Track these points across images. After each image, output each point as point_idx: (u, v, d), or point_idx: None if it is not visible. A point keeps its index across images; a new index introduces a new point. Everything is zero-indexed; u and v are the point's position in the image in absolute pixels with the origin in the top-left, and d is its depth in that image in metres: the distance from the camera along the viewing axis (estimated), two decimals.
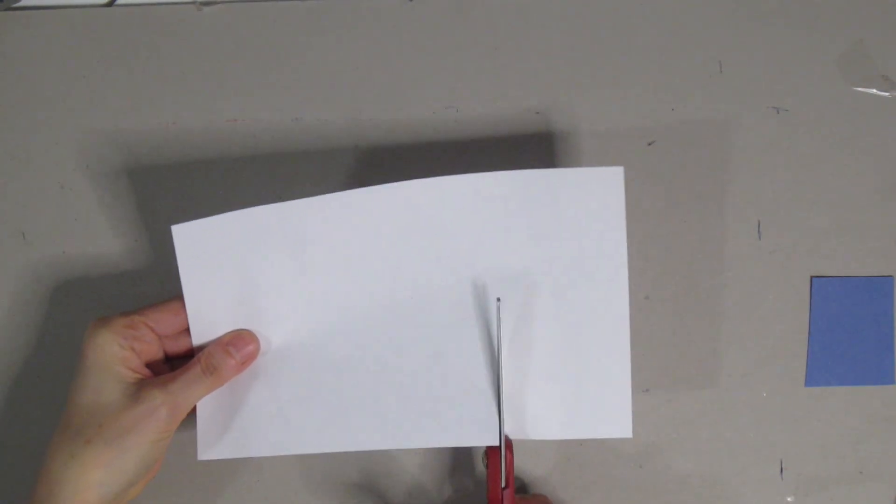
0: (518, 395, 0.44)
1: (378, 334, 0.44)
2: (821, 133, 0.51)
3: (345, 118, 0.51)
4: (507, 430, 0.44)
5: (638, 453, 0.50)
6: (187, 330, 0.45)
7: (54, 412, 0.42)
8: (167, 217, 0.51)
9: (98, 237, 0.51)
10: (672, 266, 0.50)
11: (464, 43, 0.52)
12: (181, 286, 0.45)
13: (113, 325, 0.42)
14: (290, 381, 0.44)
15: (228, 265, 0.44)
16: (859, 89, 0.51)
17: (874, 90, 0.51)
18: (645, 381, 0.50)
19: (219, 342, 0.44)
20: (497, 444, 0.43)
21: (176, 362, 0.45)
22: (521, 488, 0.50)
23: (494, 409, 0.43)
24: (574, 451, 0.50)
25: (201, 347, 0.44)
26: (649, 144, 0.51)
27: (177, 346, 0.45)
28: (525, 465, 0.50)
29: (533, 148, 0.51)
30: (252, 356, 0.44)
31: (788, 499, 0.50)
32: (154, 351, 0.44)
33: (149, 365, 0.44)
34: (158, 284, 0.50)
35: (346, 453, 0.48)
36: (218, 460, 0.48)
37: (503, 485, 0.42)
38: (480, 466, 0.49)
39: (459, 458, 0.50)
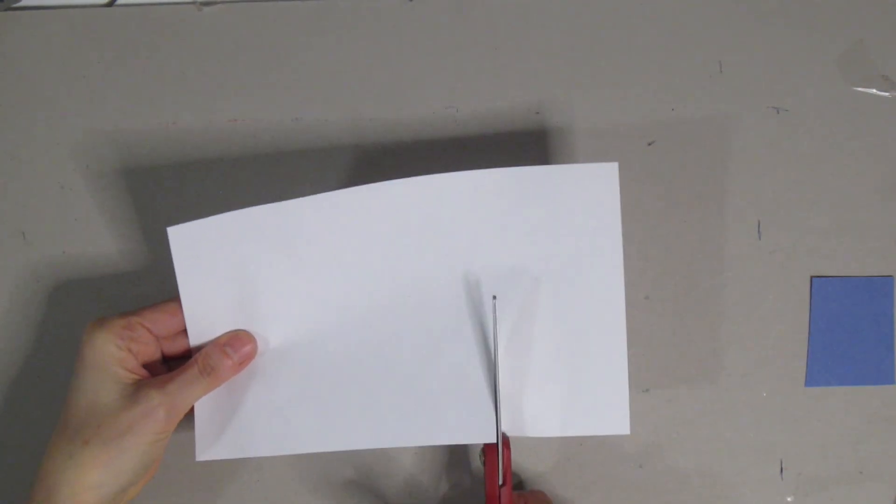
0: (515, 392, 0.44)
1: (375, 333, 0.44)
2: (821, 133, 0.51)
3: (345, 118, 0.51)
4: (505, 427, 0.43)
5: (638, 453, 0.50)
6: (185, 330, 0.45)
7: (54, 412, 0.42)
8: (167, 217, 0.51)
9: (98, 237, 0.51)
10: (672, 266, 0.50)
11: (464, 43, 0.52)
12: (177, 287, 0.44)
13: (110, 326, 0.42)
14: (288, 380, 0.44)
15: (225, 266, 0.44)
16: (859, 89, 0.51)
17: (874, 90, 0.51)
18: (645, 381, 0.50)
19: (216, 343, 0.44)
20: (493, 441, 0.43)
21: (173, 363, 0.45)
22: (519, 485, 0.50)
23: (491, 406, 0.43)
24: (574, 451, 0.50)
25: (199, 348, 0.44)
26: (649, 144, 0.51)
27: (174, 347, 0.45)
28: (525, 464, 0.50)
29: (532, 148, 0.51)
30: (249, 356, 0.44)
31: (788, 499, 0.50)
32: (151, 352, 0.44)
33: (146, 366, 0.43)
34: (158, 284, 0.50)
35: (344, 452, 0.48)
36: (218, 460, 0.48)
37: (501, 482, 0.42)
38: (478, 463, 0.49)
39: (457, 455, 0.50)
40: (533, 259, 0.43)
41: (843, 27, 0.51)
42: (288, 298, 0.44)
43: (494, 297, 0.43)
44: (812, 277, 0.50)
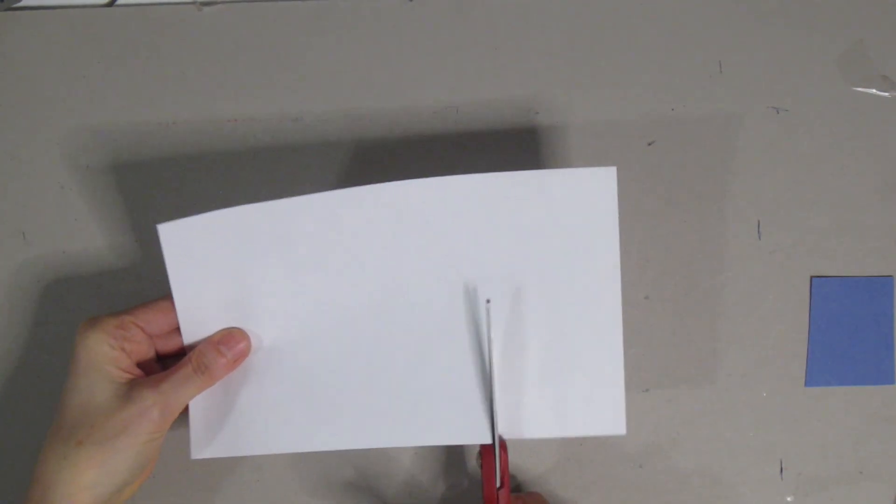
0: (511, 394, 0.43)
1: (369, 333, 0.43)
2: (821, 133, 0.50)
3: (345, 118, 0.51)
4: (501, 429, 0.43)
5: (638, 453, 0.50)
6: (178, 329, 0.44)
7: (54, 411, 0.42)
8: (167, 217, 0.50)
9: (98, 237, 0.50)
10: (672, 266, 0.50)
11: (464, 43, 0.51)
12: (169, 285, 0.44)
13: (103, 325, 0.42)
14: (282, 379, 0.44)
15: (217, 263, 0.43)
16: (859, 89, 0.51)
17: (874, 90, 0.51)
18: (645, 381, 0.50)
19: (210, 341, 0.43)
20: (488, 442, 0.42)
21: (168, 361, 0.44)
22: (517, 487, 0.49)
23: (484, 407, 0.43)
24: (574, 451, 0.49)
25: (192, 346, 0.44)
26: (649, 144, 0.51)
27: (168, 345, 0.44)
28: (525, 465, 0.49)
29: (532, 148, 0.51)
30: (243, 354, 0.44)
31: (788, 499, 0.49)
32: (145, 351, 0.43)
33: (140, 364, 0.43)
34: (158, 283, 0.49)
35: (344, 452, 0.48)
36: (217, 460, 0.48)
37: (498, 485, 0.42)
38: (475, 463, 0.49)
39: (456, 455, 0.49)
40: (529, 262, 0.43)
41: (843, 27, 0.51)
42: (282, 297, 0.44)
43: (488, 301, 0.42)
44: (812, 277, 0.50)
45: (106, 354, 0.41)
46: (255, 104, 0.51)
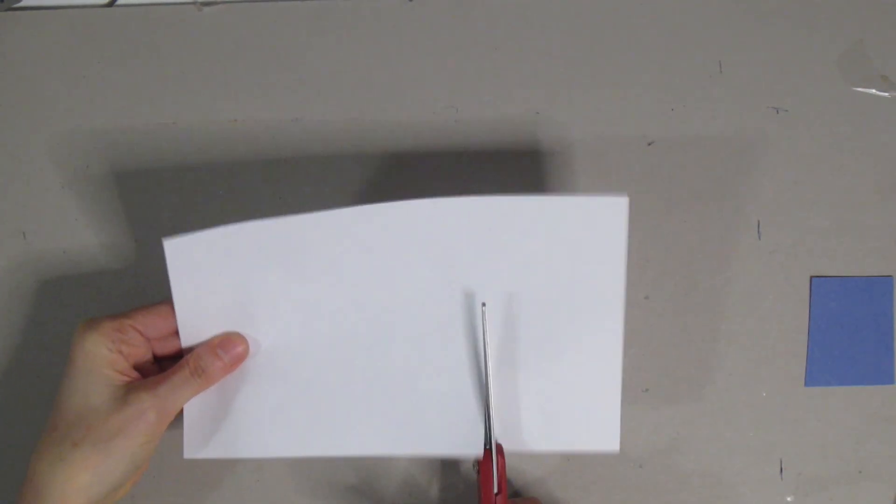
0: (506, 407, 0.43)
1: (368, 343, 0.43)
2: (821, 133, 0.50)
3: (345, 118, 0.51)
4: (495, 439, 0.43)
5: (638, 453, 0.49)
6: (176, 332, 0.44)
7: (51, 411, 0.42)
8: (168, 216, 0.50)
9: (98, 236, 0.50)
10: (672, 266, 0.50)
11: (464, 43, 0.51)
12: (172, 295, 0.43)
13: (101, 327, 0.41)
14: (278, 384, 0.44)
15: (220, 277, 0.43)
16: (859, 89, 0.51)
17: (874, 90, 0.51)
18: (645, 381, 0.49)
19: (207, 344, 0.43)
20: (482, 454, 0.42)
21: (165, 363, 0.44)
22: (514, 493, 0.49)
23: (480, 420, 0.43)
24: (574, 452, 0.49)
25: (190, 349, 0.43)
26: (649, 144, 0.51)
27: (166, 348, 0.44)
28: (525, 466, 0.49)
29: (533, 148, 0.50)
30: (240, 358, 0.43)
31: (788, 499, 0.49)
32: (142, 353, 0.43)
33: (137, 367, 0.43)
34: (159, 284, 0.49)
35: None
36: (217, 460, 0.48)
37: (495, 490, 0.42)
38: (472, 469, 0.49)
39: (454, 458, 0.50)
40: (532, 283, 0.42)
41: (843, 27, 0.51)
42: (281, 304, 0.43)
43: (483, 305, 0.42)
44: (812, 277, 0.50)
45: (103, 357, 0.41)
46: (256, 104, 0.51)
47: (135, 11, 0.51)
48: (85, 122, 0.51)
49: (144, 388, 0.41)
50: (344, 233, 0.43)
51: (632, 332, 0.49)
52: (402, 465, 0.49)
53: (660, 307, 0.49)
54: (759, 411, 0.49)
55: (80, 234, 0.50)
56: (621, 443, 0.43)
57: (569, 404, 0.43)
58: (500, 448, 0.43)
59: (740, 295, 0.49)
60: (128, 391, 0.41)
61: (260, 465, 0.49)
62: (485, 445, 0.42)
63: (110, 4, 0.52)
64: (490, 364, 0.42)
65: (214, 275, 0.43)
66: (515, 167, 0.50)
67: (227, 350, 0.43)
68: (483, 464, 0.42)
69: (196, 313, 0.44)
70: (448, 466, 0.49)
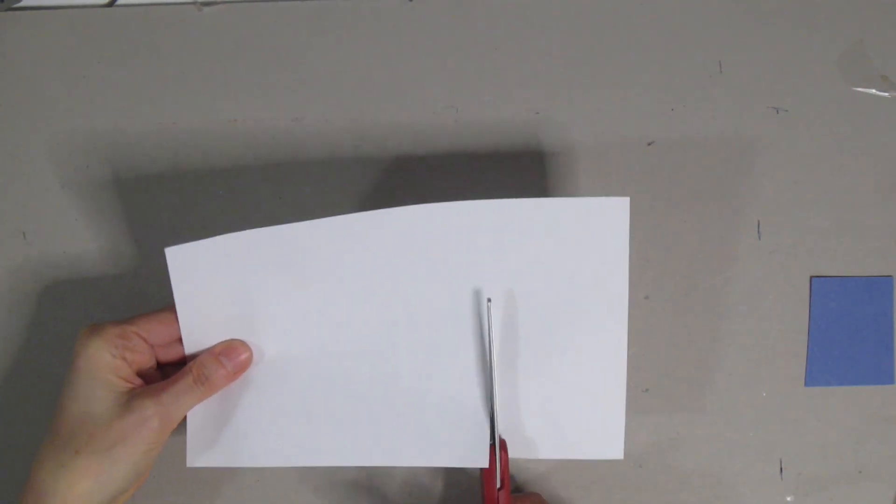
0: (510, 413, 0.43)
1: (372, 351, 0.43)
2: (821, 133, 0.50)
3: (345, 118, 0.50)
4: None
5: (638, 453, 0.49)
6: (180, 339, 0.43)
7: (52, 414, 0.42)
8: (168, 217, 0.50)
9: (98, 237, 0.50)
10: (672, 266, 0.50)
11: (464, 43, 0.51)
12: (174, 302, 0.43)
13: (105, 334, 0.41)
14: (282, 392, 0.43)
15: (223, 285, 0.43)
16: (859, 89, 0.50)
17: (874, 90, 0.50)
18: (645, 381, 0.49)
19: (211, 352, 0.42)
20: (486, 462, 0.42)
21: (168, 369, 0.44)
22: (517, 488, 0.48)
23: (486, 431, 0.42)
24: None
25: (194, 356, 0.43)
26: (649, 144, 0.50)
27: (169, 354, 0.44)
28: (526, 465, 0.49)
29: (532, 148, 0.50)
30: (244, 366, 0.43)
31: (788, 498, 0.49)
32: (146, 360, 0.42)
33: (140, 373, 0.42)
34: (159, 285, 0.49)
35: None
36: None
37: (498, 485, 0.42)
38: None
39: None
40: (536, 287, 0.42)
41: (843, 27, 0.50)
42: (286, 312, 0.43)
43: (489, 300, 0.42)
44: (812, 277, 0.49)
45: (107, 363, 0.40)
46: (256, 104, 0.50)
47: (135, 11, 0.51)
48: (85, 121, 0.50)
49: (147, 395, 0.40)
50: (345, 239, 0.42)
51: (632, 332, 0.48)
52: None
53: (660, 307, 0.49)
54: (759, 411, 0.49)
55: (80, 234, 0.50)
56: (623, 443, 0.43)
57: (572, 410, 0.43)
58: (503, 443, 0.42)
59: (740, 295, 0.49)
60: (131, 398, 0.40)
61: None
62: (489, 440, 0.42)
63: (110, 4, 0.51)
64: (495, 359, 0.42)
65: (217, 282, 0.43)
66: (515, 167, 0.50)
67: (231, 358, 0.43)
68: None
69: (199, 321, 0.43)
70: None
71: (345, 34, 0.51)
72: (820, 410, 0.49)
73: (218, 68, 0.50)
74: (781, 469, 0.48)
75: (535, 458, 0.43)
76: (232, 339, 0.43)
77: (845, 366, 0.49)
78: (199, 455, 0.44)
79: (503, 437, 0.43)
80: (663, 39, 0.50)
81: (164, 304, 0.44)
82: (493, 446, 0.42)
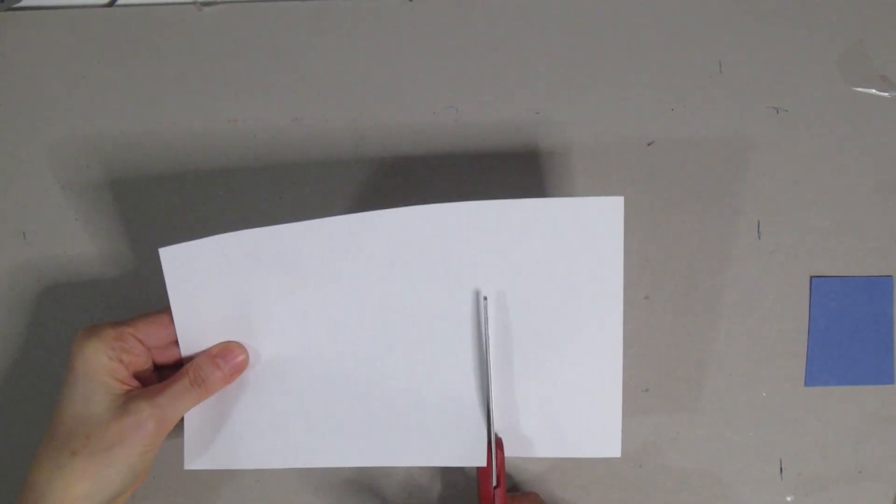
0: (507, 412, 0.43)
1: (369, 352, 0.43)
2: (821, 133, 0.49)
3: (345, 118, 0.50)
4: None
5: (638, 453, 0.49)
6: (177, 341, 0.43)
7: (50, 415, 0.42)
8: (168, 217, 0.50)
9: (98, 237, 0.50)
10: (672, 266, 0.49)
11: (464, 43, 0.51)
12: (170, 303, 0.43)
13: (102, 336, 0.41)
14: (279, 394, 0.43)
15: (218, 285, 0.42)
16: (859, 89, 0.50)
17: (874, 90, 0.50)
18: (645, 381, 0.49)
19: (207, 354, 0.42)
20: (485, 466, 0.42)
21: (165, 371, 0.43)
22: (514, 487, 0.48)
23: (483, 430, 0.42)
24: None
25: (190, 358, 0.43)
26: (649, 144, 0.50)
27: (166, 357, 0.43)
28: (525, 464, 0.48)
29: (532, 148, 0.50)
30: (240, 368, 0.43)
31: (788, 498, 0.49)
32: (142, 362, 0.42)
33: (137, 375, 0.42)
34: (159, 285, 0.48)
35: None
36: None
37: (494, 483, 0.42)
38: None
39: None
40: (532, 287, 0.42)
41: (843, 27, 0.50)
42: (282, 314, 0.43)
43: (485, 298, 0.42)
44: (812, 277, 0.49)
45: (104, 365, 0.40)
46: (256, 104, 0.50)
47: (135, 11, 0.51)
48: (85, 122, 0.50)
49: (144, 397, 0.40)
50: (342, 240, 0.42)
51: (632, 332, 0.48)
52: None
53: (660, 307, 0.49)
54: (759, 411, 0.48)
55: (80, 234, 0.50)
56: (621, 442, 0.43)
57: (570, 409, 0.42)
58: (499, 441, 0.42)
59: (740, 295, 0.49)
60: (127, 400, 0.40)
61: None
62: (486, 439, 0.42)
63: (110, 4, 0.51)
64: (491, 357, 0.42)
65: (212, 283, 0.42)
66: (515, 167, 0.50)
67: (227, 360, 0.42)
68: None
69: (195, 322, 0.43)
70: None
71: (345, 34, 0.50)
72: (820, 410, 0.48)
73: (218, 68, 0.50)
74: (781, 469, 0.48)
75: (532, 456, 0.43)
76: (228, 341, 0.43)
77: (845, 366, 0.49)
78: (197, 458, 0.43)
79: (500, 435, 0.43)
80: (663, 39, 0.50)
81: (163, 305, 0.43)
82: (489, 444, 0.42)
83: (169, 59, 0.50)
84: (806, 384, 0.48)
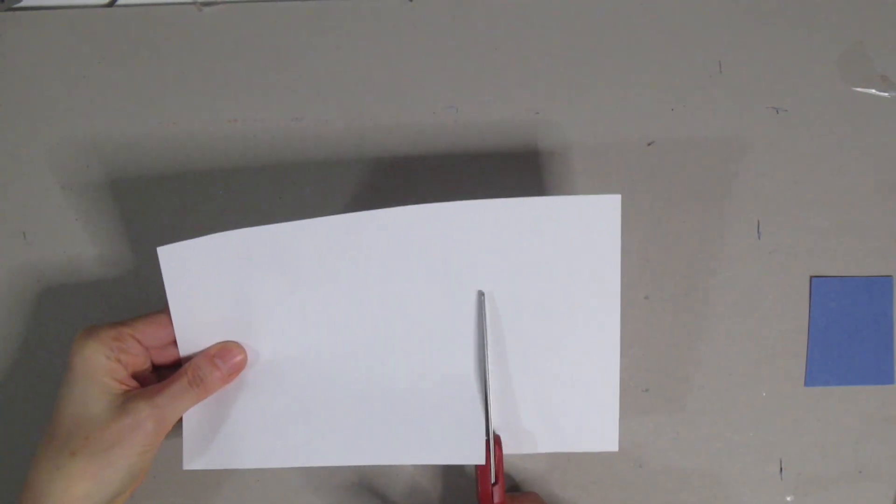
0: (505, 409, 0.42)
1: (367, 351, 0.43)
2: (821, 133, 0.49)
3: (345, 118, 0.50)
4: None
5: (638, 453, 0.49)
6: (175, 342, 0.43)
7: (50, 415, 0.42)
8: (168, 217, 0.50)
9: (98, 237, 0.49)
10: (672, 266, 0.49)
11: (464, 43, 0.50)
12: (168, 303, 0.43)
13: (100, 336, 0.40)
14: (277, 394, 0.43)
15: (216, 284, 0.42)
16: (859, 89, 0.50)
17: (873, 90, 0.50)
18: (645, 381, 0.49)
19: (205, 354, 0.42)
20: (483, 464, 0.42)
21: (164, 371, 0.43)
22: (514, 487, 0.48)
23: (481, 428, 0.42)
24: (574, 451, 0.49)
25: (189, 358, 0.43)
26: (649, 144, 0.50)
27: (165, 357, 0.43)
28: (524, 464, 0.48)
29: (532, 148, 0.50)
30: (239, 368, 0.43)
31: (788, 498, 0.48)
32: (141, 362, 0.42)
33: (135, 376, 0.42)
34: (159, 285, 0.48)
35: None
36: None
37: (493, 480, 0.42)
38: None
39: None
40: (530, 285, 0.42)
41: (843, 27, 0.50)
42: (280, 313, 0.43)
43: (482, 293, 0.42)
44: (812, 277, 0.49)
45: (102, 365, 0.40)
46: (256, 104, 0.50)
47: (135, 11, 0.51)
48: (85, 122, 0.50)
49: (142, 397, 0.40)
50: (340, 239, 0.42)
51: (632, 332, 0.48)
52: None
53: (660, 307, 0.49)
54: (758, 411, 0.48)
55: (80, 234, 0.49)
56: (621, 442, 0.43)
57: (567, 404, 0.42)
58: (497, 439, 0.42)
59: (740, 295, 0.49)
60: (126, 400, 0.40)
61: None
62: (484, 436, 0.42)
63: (110, 4, 0.51)
64: (489, 352, 0.42)
65: (211, 283, 0.42)
66: (515, 167, 0.50)
67: (226, 360, 0.42)
68: None
69: (193, 322, 0.43)
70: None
71: (345, 34, 0.50)
72: (820, 410, 0.48)
73: (218, 68, 0.50)
74: (781, 469, 0.48)
75: (531, 452, 0.43)
76: (227, 341, 0.43)
77: (845, 366, 0.48)
78: (196, 458, 0.43)
79: (498, 432, 0.43)
80: (663, 39, 0.50)
81: (163, 306, 0.43)
82: (486, 441, 0.42)
83: (169, 59, 0.50)
84: (806, 384, 0.48)
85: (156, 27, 0.50)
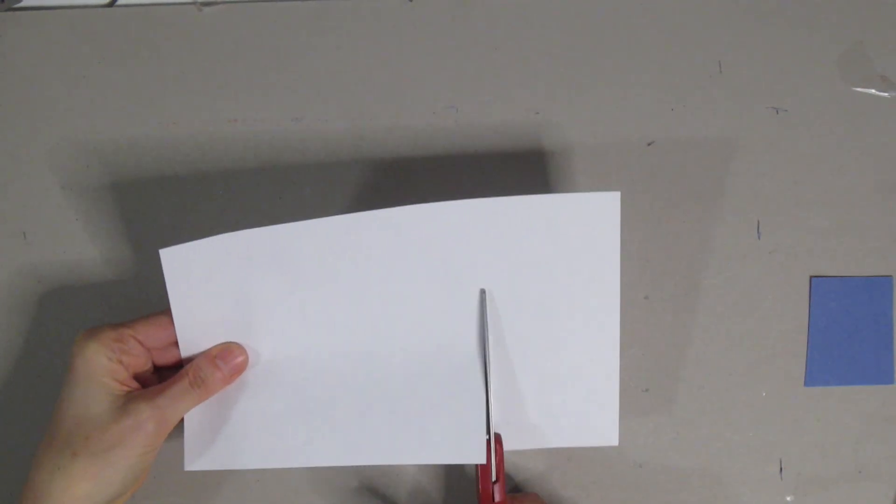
0: (506, 407, 0.43)
1: (368, 351, 0.43)
2: (820, 133, 0.49)
3: (345, 118, 0.50)
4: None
5: (638, 453, 0.49)
6: (177, 343, 0.43)
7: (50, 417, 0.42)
8: (168, 217, 0.50)
9: (98, 237, 0.49)
10: (672, 266, 0.49)
11: (464, 43, 0.50)
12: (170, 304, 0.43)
13: (101, 337, 0.40)
14: (278, 394, 0.43)
15: (218, 286, 0.42)
16: (859, 89, 0.50)
17: (873, 90, 0.50)
18: (645, 381, 0.49)
19: (207, 355, 0.42)
20: (484, 463, 0.42)
21: (165, 372, 0.43)
22: (515, 487, 0.48)
23: (482, 427, 0.42)
24: (574, 451, 0.48)
25: (190, 359, 0.43)
26: (649, 144, 0.50)
27: (166, 358, 0.43)
28: (525, 464, 0.48)
29: (532, 148, 0.50)
30: (240, 369, 0.43)
31: (788, 498, 0.48)
32: (142, 363, 0.42)
33: (137, 377, 0.42)
34: (159, 285, 0.48)
35: None
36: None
37: (493, 478, 0.42)
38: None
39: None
40: (531, 283, 0.42)
41: (843, 27, 0.50)
42: (281, 314, 0.43)
43: (483, 291, 0.42)
44: (811, 277, 0.49)
45: (104, 366, 0.40)
46: (256, 104, 0.50)
47: (135, 11, 0.50)
48: (85, 122, 0.50)
49: (143, 398, 0.40)
50: (340, 239, 0.42)
51: (632, 332, 0.48)
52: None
53: (660, 307, 0.49)
54: (758, 411, 0.48)
55: (80, 235, 0.49)
56: (621, 442, 0.43)
57: (568, 399, 0.43)
58: (497, 437, 0.42)
59: (740, 295, 0.49)
60: (127, 401, 0.40)
61: None
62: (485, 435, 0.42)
63: (110, 4, 0.51)
64: (490, 349, 0.42)
65: (212, 284, 0.42)
66: (515, 167, 0.49)
67: (227, 361, 0.42)
68: None
69: (195, 323, 0.43)
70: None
71: (345, 34, 0.50)
72: (820, 410, 0.48)
73: (218, 68, 0.50)
74: (781, 469, 0.48)
75: (531, 448, 0.43)
76: (228, 342, 0.43)
77: (845, 366, 0.48)
78: (197, 458, 0.43)
79: (499, 430, 0.43)
80: (663, 39, 0.50)
81: (164, 307, 0.43)
82: (487, 440, 0.42)
83: (169, 59, 0.50)
84: (806, 384, 0.48)
85: (156, 27, 0.50)
